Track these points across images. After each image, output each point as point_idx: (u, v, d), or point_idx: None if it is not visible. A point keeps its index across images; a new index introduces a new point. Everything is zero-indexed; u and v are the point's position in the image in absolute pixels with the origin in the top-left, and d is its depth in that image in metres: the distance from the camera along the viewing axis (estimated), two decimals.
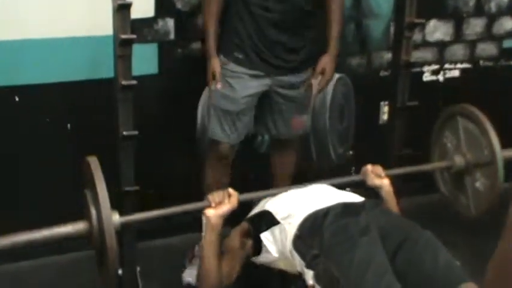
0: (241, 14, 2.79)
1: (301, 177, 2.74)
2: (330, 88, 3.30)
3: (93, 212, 2.16)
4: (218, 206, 2.36)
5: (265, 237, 2.33)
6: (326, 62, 2.95)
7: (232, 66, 2.84)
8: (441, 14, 3.67)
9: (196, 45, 3.15)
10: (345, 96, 3.40)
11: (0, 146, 2.90)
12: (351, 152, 3.58)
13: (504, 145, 2.79)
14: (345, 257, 2.02)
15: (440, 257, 2.03)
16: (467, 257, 2.09)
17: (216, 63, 2.83)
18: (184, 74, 2.86)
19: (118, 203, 2.54)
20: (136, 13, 2.57)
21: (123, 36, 2.43)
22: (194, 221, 3.00)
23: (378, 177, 2.61)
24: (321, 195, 2.40)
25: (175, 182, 3.16)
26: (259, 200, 2.58)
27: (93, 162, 2.20)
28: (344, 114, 3.46)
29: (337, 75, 3.37)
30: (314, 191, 2.47)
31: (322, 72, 2.96)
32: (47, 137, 2.96)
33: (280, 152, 3.19)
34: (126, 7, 2.43)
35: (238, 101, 2.86)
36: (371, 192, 2.62)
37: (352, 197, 2.41)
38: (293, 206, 2.34)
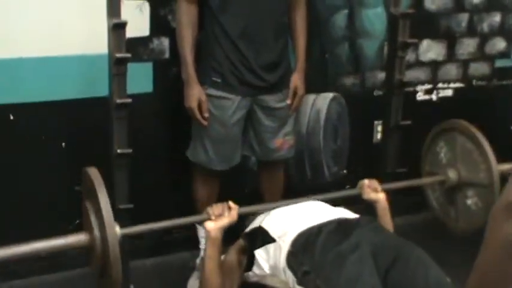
0: (219, 37, 2.78)
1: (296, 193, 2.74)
2: (324, 107, 3.32)
3: (95, 222, 2.14)
4: (218, 219, 2.35)
5: (259, 254, 2.33)
6: (296, 80, 2.96)
7: (210, 90, 2.82)
8: (434, 34, 3.70)
9: None
10: (339, 115, 3.42)
11: None
12: (345, 171, 3.59)
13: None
14: (333, 274, 2.02)
15: (431, 274, 2.03)
16: (460, 275, 2.08)
17: (200, 92, 2.80)
18: (179, 93, 2.87)
19: None
20: (131, 32, 2.58)
21: (118, 55, 2.44)
22: (187, 240, 3.01)
23: (374, 191, 2.64)
24: (316, 212, 2.40)
25: (169, 200, 3.16)
26: (256, 214, 2.58)
27: (94, 173, 2.19)
28: (338, 133, 3.48)
29: (331, 95, 3.40)
30: (309, 208, 2.48)
31: (295, 91, 2.97)
32: (42, 155, 2.96)
33: (267, 174, 3.17)
34: (122, 26, 2.44)
35: (222, 127, 2.86)
36: (366, 208, 2.63)
37: (347, 214, 2.42)
38: (288, 223, 2.34)
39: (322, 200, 2.58)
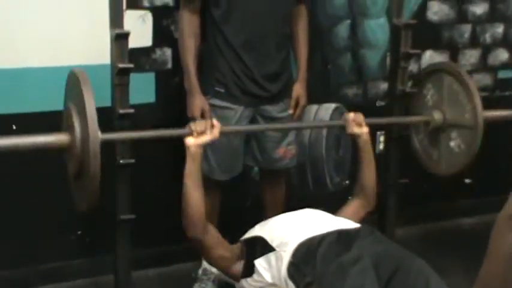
0: (222, 47, 2.79)
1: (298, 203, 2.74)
2: (327, 117, 3.32)
3: (77, 122, 2.16)
4: (199, 136, 2.39)
5: (260, 263, 2.32)
6: (298, 90, 2.98)
7: (213, 100, 2.84)
8: (437, 44, 3.70)
9: None
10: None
11: None
12: (347, 181, 3.58)
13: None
14: (336, 285, 2.02)
15: (432, 284, 2.03)
16: (461, 285, 2.09)
17: (203, 101, 2.81)
18: (182, 103, 2.87)
19: (113, 232, 2.55)
20: (134, 42, 2.59)
21: (121, 66, 2.45)
22: (189, 251, 3.00)
23: (358, 125, 2.66)
24: (316, 222, 2.40)
25: (170, 211, 3.15)
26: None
27: (81, 73, 2.20)
28: (340, 143, 3.47)
29: (333, 105, 3.39)
30: (309, 217, 2.47)
31: (297, 101, 2.97)
32: (44, 165, 2.96)
33: (270, 184, 3.16)
34: (124, 36, 2.45)
35: (225, 137, 2.85)
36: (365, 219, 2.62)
37: (347, 224, 2.41)
38: (288, 232, 2.33)
39: (308, 127, 2.53)
